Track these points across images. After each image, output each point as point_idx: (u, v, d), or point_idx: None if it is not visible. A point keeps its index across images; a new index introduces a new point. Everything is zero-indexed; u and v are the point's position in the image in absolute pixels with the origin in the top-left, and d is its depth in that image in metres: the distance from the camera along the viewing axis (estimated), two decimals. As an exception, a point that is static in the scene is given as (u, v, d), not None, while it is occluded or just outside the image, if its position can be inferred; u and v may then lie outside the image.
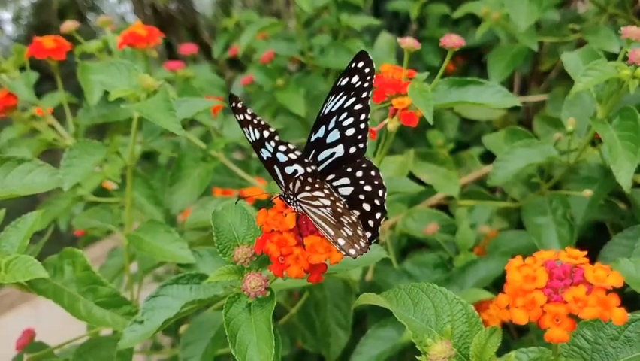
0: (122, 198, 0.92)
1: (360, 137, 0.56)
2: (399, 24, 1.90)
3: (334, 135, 0.57)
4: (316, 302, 0.93)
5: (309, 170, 0.52)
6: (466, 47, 0.78)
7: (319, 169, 0.57)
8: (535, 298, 0.41)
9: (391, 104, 0.75)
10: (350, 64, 0.56)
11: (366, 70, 0.56)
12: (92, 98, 0.92)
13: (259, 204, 1.19)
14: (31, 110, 1.03)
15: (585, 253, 0.44)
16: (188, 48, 1.36)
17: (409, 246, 1.25)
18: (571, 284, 0.41)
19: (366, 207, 0.55)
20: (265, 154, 0.53)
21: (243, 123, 0.52)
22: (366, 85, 0.56)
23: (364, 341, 0.87)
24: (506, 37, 1.26)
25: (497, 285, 0.96)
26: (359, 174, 0.55)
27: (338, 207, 0.51)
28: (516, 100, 0.77)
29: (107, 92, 0.79)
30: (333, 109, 0.57)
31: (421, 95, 0.74)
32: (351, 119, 0.56)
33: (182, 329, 0.76)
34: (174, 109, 0.69)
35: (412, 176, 1.08)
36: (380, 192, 0.55)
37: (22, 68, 0.98)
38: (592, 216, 0.92)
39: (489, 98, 0.77)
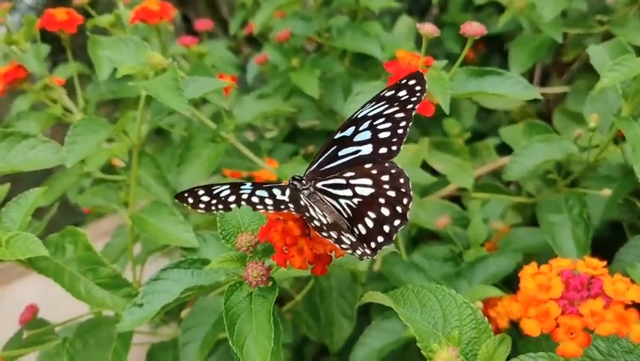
0: (129, 177, 0.90)
1: (395, 140, 0.55)
2: (420, 7, 1.85)
3: (364, 135, 0.56)
4: (321, 291, 0.91)
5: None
6: (487, 35, 0.75)
7: (336, 163, 0.56)
8: (549, 309, 0.39)
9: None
10: (401, 80, 0.55)
11: (417, 87, 0.55)
12: (102, 73, 0.90)
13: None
14: (43, 80, 1.02)
15: (604, 263, 0.41)
16: (203, 24, 1.34)
17: (419, 235, 1.23)
18: (588, 296, 0.39)
19: (385, 211, 0.53)
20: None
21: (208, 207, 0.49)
22: (414, 99, 0.55)
23: (368, 332, 0.86)
24: (530, 26, 1.22)
25: (507, 282, 0.94)
26: (385, 178, 0.54)
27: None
28: (536, 93, 0.74)
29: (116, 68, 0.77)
30: (370, 114, 0.56)
31: (438, 83, 0.72)
32: (388, 124, 0.55)
33: (184, 313, 0.75)
34: (182, 88, 0.67)
35: (425, 164, 1.05)
36: (405, 200, 0.53)
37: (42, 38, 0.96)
38: (609, 215, 0.89)
39: (508, 89, 0.75)
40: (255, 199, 0.48)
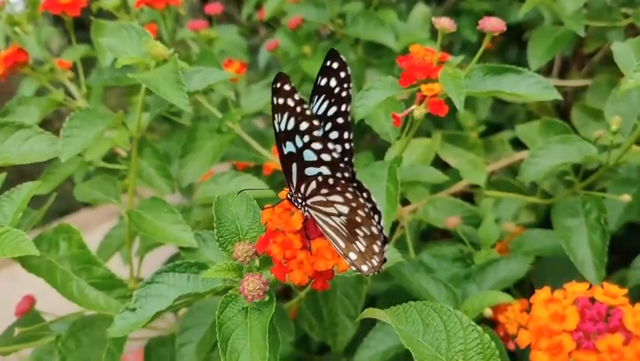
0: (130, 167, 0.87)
1: (346, 159, 0.50)
2: (437, -6, 1.80)
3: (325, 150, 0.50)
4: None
5: (338, 175, 0.46)
6: (506, 24, 0.71)
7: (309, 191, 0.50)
8: (562, 343, 0.36)
9: (419, 90, 0.69)
10: (325, 61, 0.49)
11: (342, 74, 0.49)
12: (105, 59, 0.87)
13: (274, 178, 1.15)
14: (50, 63, 0.99)
15: (625, 291, 0.38)
16: (213, 8, 1.30)
17: (429, 230, 1.19)
18: (606, 329, 0.36)
19: (367, 230, 0.49)
20: (289, 148, 0.47)
21: (279, 109, 0.45)
22: (344, 94, 0.49)
23: (373, 334, 0.83)
24: (551, 16, 1.17)
25: (519, 286, 0.91)
26: (348, 195, 0.49)
27: (358, 215, 0.46)
28: (556, 93, 0.70)
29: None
30: (319, 113, 0.50)
31: (452, 81, 0.68)
32: (336, 134, 0.50)
33: (181, 312, 0.73)
34: (183, 82, 0.64)
35: (437, 158, 1.02)
36: (376, 217, 0.48)
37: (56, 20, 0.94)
38: (627, 220, 0.86)
39: (526, 89, 0.71)
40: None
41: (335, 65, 0.49)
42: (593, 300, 0.38)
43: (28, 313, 0.79)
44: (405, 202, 1.05)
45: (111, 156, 1.04)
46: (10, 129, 0.65)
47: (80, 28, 1.03)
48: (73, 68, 1.02)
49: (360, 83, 1.22)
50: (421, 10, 1.32)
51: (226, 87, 0.96)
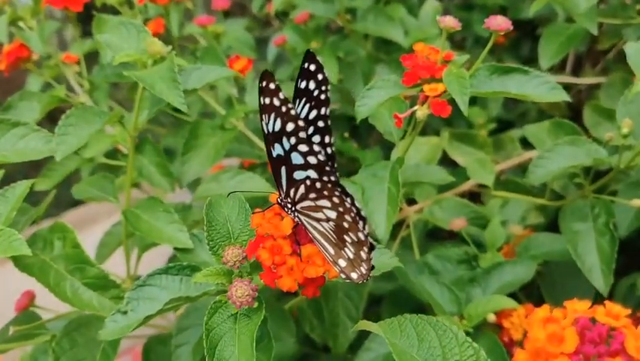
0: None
1: (330, 163, 0.49)
2: (449, -11, 1.77)
3: (310, 156, 0.48)
4: (326, 290, 0.88)
5: (325, 178, 0.45)
6: (519, 19, 0.68)
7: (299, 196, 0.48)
8: (559, 365, 0.34)
9: (422, 90, 0.68)
10: (302, 63, 0.48)
11: (319, 76, 0.48)
12: (106, 55, 0.86)
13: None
14: (55, 58, 0.98)
15: (628, 311, 0.36)
16: (220, 3, 1.29)
17: (436, 229, 1.18)
18: (606, 353, 0.34)
19: (354, 236, 0.47)
20: (277, 151, 0.46)
21: (266, 109, 0.44)
22: (323, 97, 0.48)
23: (374, 336, 0.82)
24: (564, 12, 1.14)
25: (525, 289, 0.89)
26: (335, 200, 0.47)
27: (345, 220, 0.44)
28: (564, 94, 0.67)
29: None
30: (302, 115, 0.49)
31: (457, 81, 0.66)
32: (318, 138, 0.49)
33: (178, 312, 0.72)
34: (179, 81, 0.62)
35: (446, 156, 1.00)
36: (360, 224, 0.47)
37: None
38: (637, 225, 0.83)
39: (534, 90, 0.68)
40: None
41: (312, 68, 0.48)
42: (594, 320, 0.36)
43: (25, 312, 0.78)
44: (412, 201, 1.04)
45: (114, 152, 1.03)
46: (6, 127, 0.64)
47: (91, 21, 1.02)
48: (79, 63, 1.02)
49: (369, 79, 1.20)
50: (432, 5, 1.29)
51: (231, 84, 0.95)
